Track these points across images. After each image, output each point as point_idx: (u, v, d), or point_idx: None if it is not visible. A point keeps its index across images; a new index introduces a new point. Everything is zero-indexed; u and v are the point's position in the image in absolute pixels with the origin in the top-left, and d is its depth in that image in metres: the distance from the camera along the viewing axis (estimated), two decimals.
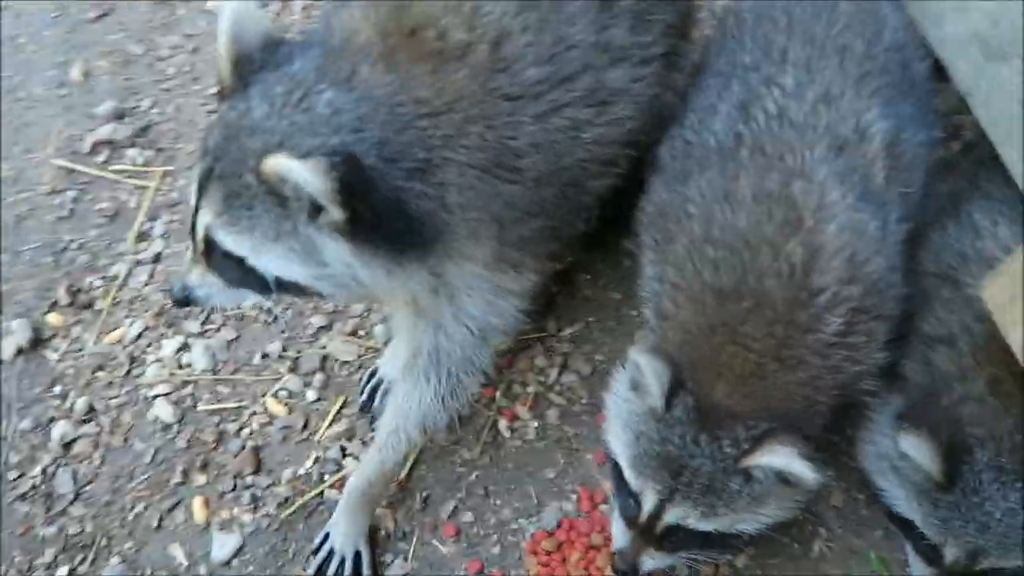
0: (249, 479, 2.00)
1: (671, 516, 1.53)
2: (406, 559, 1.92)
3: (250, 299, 1.63)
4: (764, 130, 1.63)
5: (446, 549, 1.93)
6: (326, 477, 2.00)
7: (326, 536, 1.88)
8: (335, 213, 1.37)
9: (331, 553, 1.87)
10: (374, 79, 1.46)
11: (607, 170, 1.75)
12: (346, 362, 2.15)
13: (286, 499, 1.98)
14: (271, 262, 1.46)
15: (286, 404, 2.10)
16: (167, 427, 2.07)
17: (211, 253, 1.52)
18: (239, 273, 1.51)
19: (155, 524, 1.96)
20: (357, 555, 1.87)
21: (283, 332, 2.19)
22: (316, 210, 1.39)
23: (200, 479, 2.00)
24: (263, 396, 2.11)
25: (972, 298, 1.48)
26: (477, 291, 1.65)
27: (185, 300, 1.60)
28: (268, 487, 2.00)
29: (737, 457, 1.45)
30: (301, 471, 2.02)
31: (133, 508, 1.98)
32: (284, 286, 1.51)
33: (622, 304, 2.25)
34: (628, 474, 1.57)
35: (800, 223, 1.52)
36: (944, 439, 1.40)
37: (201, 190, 1.48)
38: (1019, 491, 1.39)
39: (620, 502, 1.63)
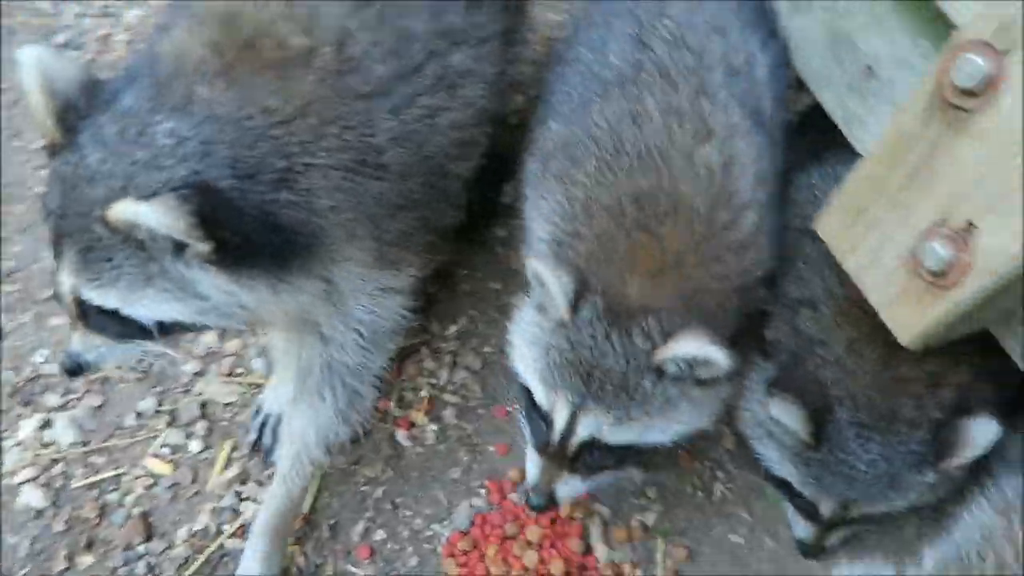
0: (141, 548, 1.88)
1: (583, 428, 1.51)
2: None
3: (144, 347, 1.54)
4: (664, 55, 1.65)
5: (363, 572, 1.89)
6: (224, 527, 1.91)
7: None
8: (199, 247, 1.32)
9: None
10: (215, 97, 1.40)
11: (468, 152, 1.76)
12: (228, 404, 2.06)
13: (186, 559, 1.87)
14: (147, 308, 1.41)
15: (170, 461, 1.98)
16: (40, 512, 1.90)
17: (85, 314, 1.45)
18: (119, 326, 1.45)
19: None
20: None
21: (155, 386, 2.07)
22: (179, 247, 1.34)
23: (87, 560, 1.86)
24: (143, 458, 1.98)
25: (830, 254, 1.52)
26: (363, 293, 1.63)
27: (78, 368, 1.53)
28: (163, 552, 1.88)
29: (650, 352, 1.45)
30: (197, 527, 1.91)
31: None
32: (168, 328, 1.45)
33: (502, 293, 2.27)
34: (539, 392, 1.54)
35: (711, 134, 1.56)
36: (809, 402, 1.47)
37: (56, 253, 1.40)
38: (878, 443, 1.48)
39: (531, 430, 1.61)
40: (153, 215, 1.27)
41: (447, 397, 2.11)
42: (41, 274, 2.19)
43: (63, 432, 1.98)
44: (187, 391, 2.07)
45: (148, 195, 1.29)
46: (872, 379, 1.49)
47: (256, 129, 1.41)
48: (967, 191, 1.14)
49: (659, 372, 1.46)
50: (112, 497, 1.93)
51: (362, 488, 2.00)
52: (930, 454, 1.48)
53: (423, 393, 2.11)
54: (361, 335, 1.69)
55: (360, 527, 1.94)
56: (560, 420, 1.53)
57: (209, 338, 2.12)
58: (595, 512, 1.98)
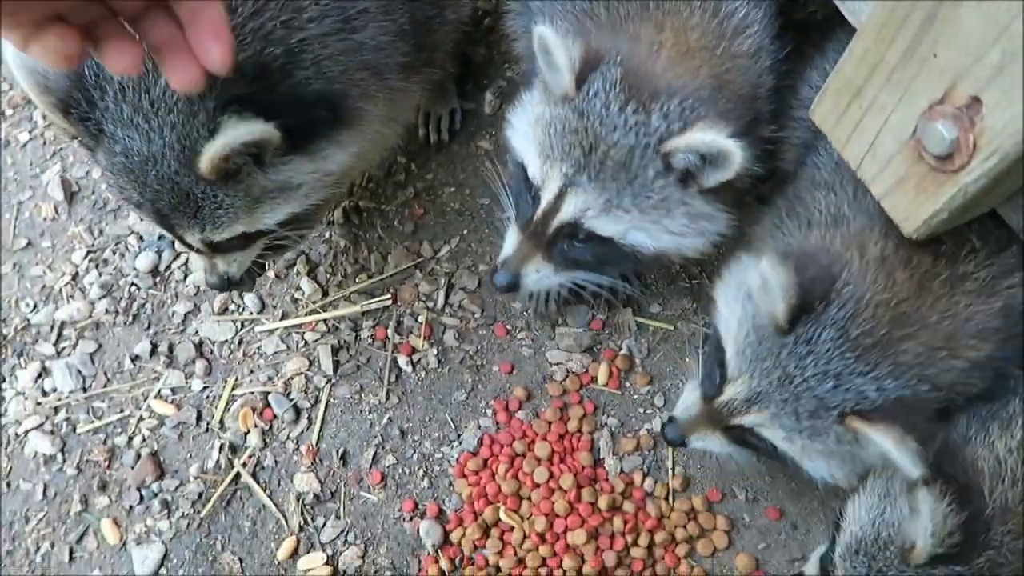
0: (155, 486, 1.90)
1: (570, 206, 1.45)
2: (338, 517, 1.88)
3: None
4: None
5: (376, 497, 1.91)
6: (235, 462, 1.93)
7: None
8: (273, 143, 1.43)
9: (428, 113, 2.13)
10: None
11: None
12: (224, 341, 2.04)
13: (199, 495, 1.90)
14: (267, 218, 1.53)
15: (172, 402, 1.98)
16: (50, 459, 1.92)
17: (216, 247, 1.58)
18: (244, 242, 1.59)
19: (67, 558, 1.85)
20: (452, 112, 2.22)
21: (148, 329, 2.05)
22: (258, 159, 1.45)
23: (102, 501, 1.89)
24: (145, 400, 1.98)
25: None
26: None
27: (225, 282, 1.68)
28: (177, 488, 1.90)
29: (663, 135, 1.38)
30: (209, 463, 1.93)
31: (39, 549, 1.86)
32: (286, 223, 1.59)
33: (493, 209, 2.20)
34: (533, 164, 1.48)
35: None
36: (806, 285, 1.35)
37: (171, 228, 1.52)
38: (845, 360, 1.34)
39: (517, 206, 1.56)
40: (235, 135, 1.34)
41: (446, 320, 2.08)
42: (16, 224, 2.15)
43: (62, 380, 1.98)
44: (181, 331, 2.04)
45: (212, 130, 1.35)
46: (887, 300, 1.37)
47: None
48: (969, 63, 1.04)
49: (666, 164, 1.40)
50: (119, 440, 1.95)
51: (368, 416, 1.99)
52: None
53: (421, 318, 2.07)
54: None
55: (369, 454, 1.95)
56: (549, 194, 1.47)
57: (198, 276, 2.08)
58: (604, 424, 1.97)
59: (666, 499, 1.89)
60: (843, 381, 1.35)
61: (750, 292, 1.43)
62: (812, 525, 1.86)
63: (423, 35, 1.69)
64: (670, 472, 1.93)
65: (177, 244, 1.71)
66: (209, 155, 1.35)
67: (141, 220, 1.58)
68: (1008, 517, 1.27)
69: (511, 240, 1.57)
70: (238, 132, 1.34)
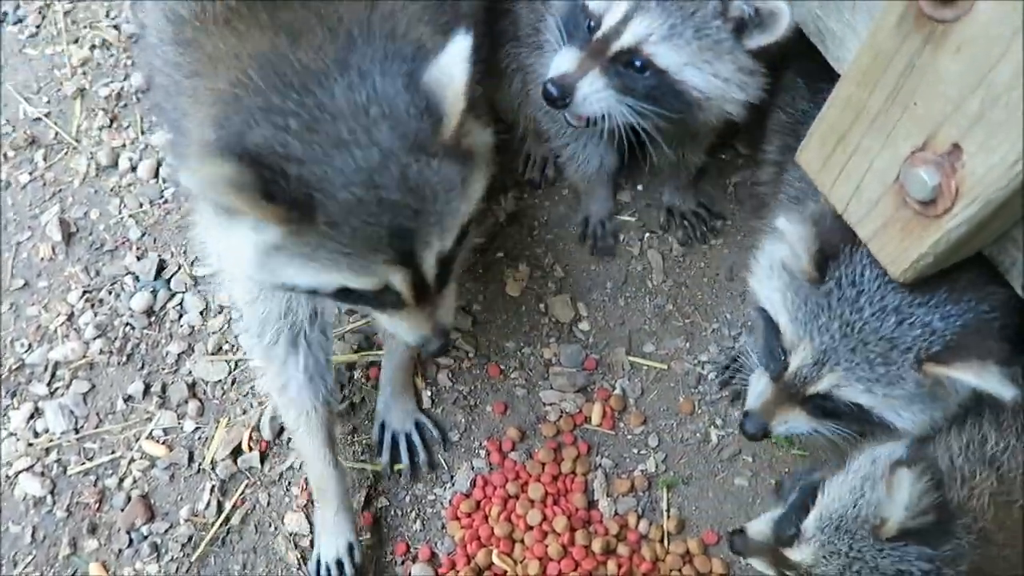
0: (145, 529, 1.88)
1: (632, 32, 1.52)
2: None
3: None
4: None
5: (368, 538, 1.89)
6: (226, 505, 1.91)
7: (383, 426, 1.97)
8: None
9: (394, 435, 1.96)
10: None
11: None
12: (217, 382, 2.03)
13: (189, 538, 1.88)
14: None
15: (164, 443, 1.97)
16: (39, 501, 1.90)
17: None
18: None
19: None
20: (417, 426, 1.98)
21: (141, 369, 2.05)
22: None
23: (91, 544, 1.87)
24: (137, 441, 1.97)
25: None
26: None
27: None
28: (167, 531, 1.88)
29: None
30: (200, 505, 1.91)
31: None
32: None
33: (486, 250, 2.21)
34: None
35: None
36: (826, 233, 1.39)
37: (412, 258, 1.34)
38: (900, 293, 1.34)
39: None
40: (457, 69, 1.25)
41: (439, 359, 2.07)
42: (13, 264, 2.16)
43: (54, 420, 1.97)
44: (175, 371, 2.04)
45: (421, 104, 1.26)
46: None
47: None
48: (949, 110, 1.06)
49: (724, 9, 1.51)
50: (110, 481, 1.93)
51: (361, 457, 1.98)
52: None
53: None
54: None
55: (361, 496, 1.93)
56: (612, 18, 1.53)
57: (192, 316, 2.09)
58: (598, 466, 1.96)
59: (661, 542, 1.87)
60: (904, 315, 1.35)
61: (782, 262, 1.47)
62: None
63: None
64: (665, 514, 1.91)
65: (381, 314, 1.47)
66: (453, 109, 1.25)
67: (357, 274, 1.31)
68: (961, 514, 1.35)
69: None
70: (457, 67, 1.24)
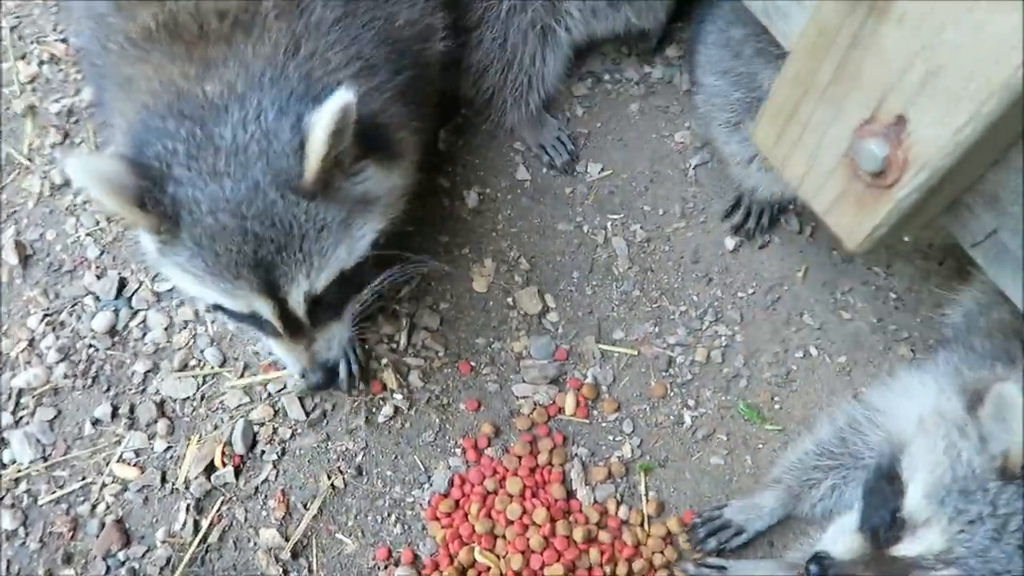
0: (121, 555, 1.84)
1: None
2: (311, 571, 1.85)
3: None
4: None
5: (350, 546, 1.87)
6: (203, 522, 1.88)
7: None
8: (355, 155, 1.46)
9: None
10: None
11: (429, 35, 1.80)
12: (186, 398, 2.00)
13: (168, 560, 1.85)
14: (363, 238, 1.50)
15: (135, 464, 1.93)
16: (12, 534, 1.86)
17: (316, 312, 1.52)
18: (343, 289, 1.54)
19: None
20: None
21: (108, 391, 2.01)
22: (343, 167, 1.46)
23: (67, 574, 1.83)
24: (107, 465, 1.93)
25: None
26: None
27: (332, 373, 1.64)
28: (145, 555, 1.85)
29: None
30: (176, 525, 1.88)
31: None
32: (376, 246, 1.54)
33: (452, 246, 2.20)
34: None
35: None
36: None
37: (275, 290, 1.44)
38: None
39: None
40: (327, 120, 1.29)
41: (409, 361, 2.06)
42: None
43: (21, 450, 1.92)
44: (142, 391, 2.00)
45: (300, 143, 1.34)
46: None
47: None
48: (893, 81, 1.07)
49: None
50: (82, 508, 1.89)
51: (337, 464, 1.96)
52: None
53: (385, 360, 2.05)
54: None
55: (340, 502, 1.92)
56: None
57: (156, 334, 2.05)
58: (574, 455, 1.96)
59: (641, 525, 1.88)
60: None
61: (960, 424, 1.30)
62: (788, 541, 1.86)
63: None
64: (644, 498, 1.92)
65: (259, 344, 1.65)
66: (314, 154, 1.31)
67: (229, 294, 1.42)
68: None
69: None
70: (325, 116, 1.29)
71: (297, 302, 1.45)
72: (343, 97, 1.30)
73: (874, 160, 1.13)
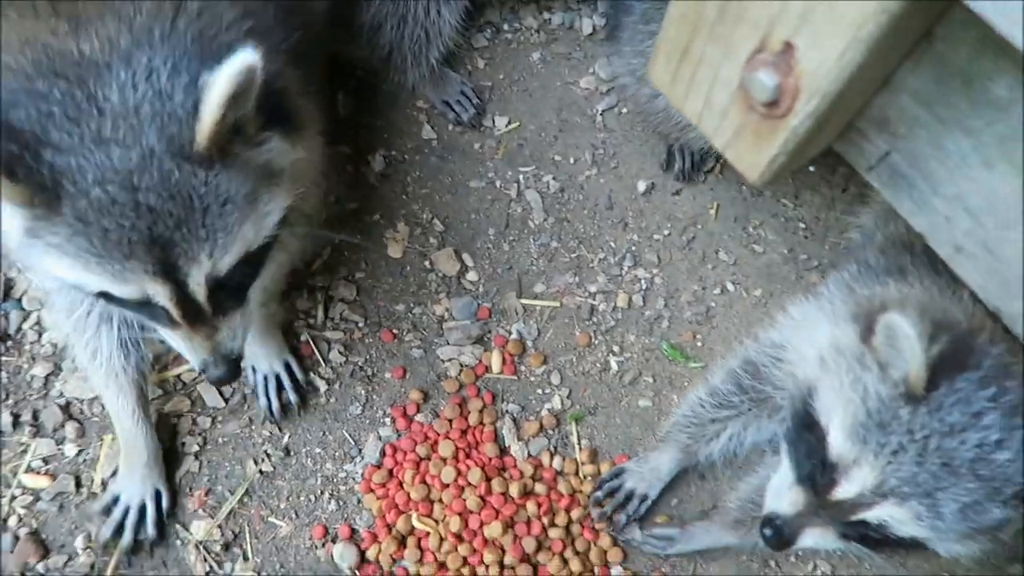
0: (40, 567, 1.76)
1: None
2: (246, 558, 1.80)
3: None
4: None
5: (284, 528, 1.83)
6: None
7: (253, 370, 1.92)
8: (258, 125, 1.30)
9: (265, 377, 1.91)
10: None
11: None
12: (93, 399, 1.90)
13: (92, 567, 1.77)
14: (270, 214, 1.34)
15: (45, 473, 1.83)
16: None
17: (217, 296, 1.36)
18: (246, 271, 1.40)
19: None
20: (287, 367, 1.94)
21: (7, 398, 1.89)
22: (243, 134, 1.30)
23: None
24: (15, 476, 1.82)
25: None
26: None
27: (236, 365, 1.47)
28: (67, 564, 1.77)
29: None
30: (95, 531, 1.80)
31: None
32: (282, 223, 1.39)
33: (362, 213, 2.14)
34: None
35: None
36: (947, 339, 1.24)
37: (172, 273, 1.28)
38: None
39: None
40: (224, 81, 1.16)
41: (329, 335, 2.00)
42: None
43: None
44: (44, 395, 1.89)
45: (195, 103, 1.18)
46: None
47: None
48: (777, 10, 1.06)
49: None
50: None
51: (263, 448, 1.91)
52: None
53: (304, 337, 1.99)
54: None
55: (270, 485, 1.87)
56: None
57: (52, 334, 1.93)
58: (505, 412, 1.95)
59: (576, 474, 1.90)
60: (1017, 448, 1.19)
61: (858, 355, 1.31)
62: (718, 472, 1.90)
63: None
64: (576, 447, 1.93)
65: (161, 329, 1.40)
66: (208, 116, 1.18)
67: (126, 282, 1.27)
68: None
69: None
70: (223, 76, 1.17)
71: (198, 285, 1.31)
72: (247, 57, 1.17)
73: (766, 90, 1.12)
